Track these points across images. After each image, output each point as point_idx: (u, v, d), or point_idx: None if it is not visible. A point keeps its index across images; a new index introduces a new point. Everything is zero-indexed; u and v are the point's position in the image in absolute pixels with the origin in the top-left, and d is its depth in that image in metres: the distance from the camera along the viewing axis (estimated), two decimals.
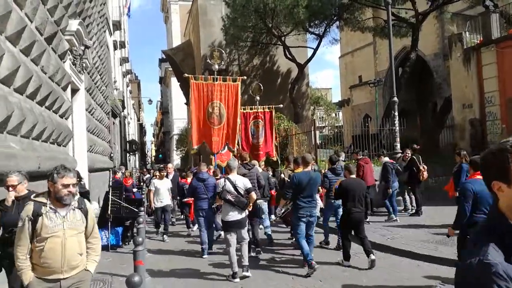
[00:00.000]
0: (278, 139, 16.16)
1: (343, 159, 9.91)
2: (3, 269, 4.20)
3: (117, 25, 27.91)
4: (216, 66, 10.74)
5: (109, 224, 7.89)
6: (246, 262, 6.23)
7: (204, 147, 11.13)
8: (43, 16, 7.97)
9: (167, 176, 10.66)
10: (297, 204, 6.50)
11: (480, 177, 4.87)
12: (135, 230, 8.33)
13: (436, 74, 25.43)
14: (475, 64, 14.93)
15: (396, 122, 12.40)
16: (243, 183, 6.35)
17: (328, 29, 21.08)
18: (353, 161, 12.44)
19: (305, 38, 23.70)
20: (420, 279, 5.69)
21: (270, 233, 8.53)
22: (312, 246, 6.77)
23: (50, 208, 3.16)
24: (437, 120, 19.51)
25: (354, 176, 7.17)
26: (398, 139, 12.27)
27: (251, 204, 6.36)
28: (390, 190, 9.99)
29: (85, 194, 7.79)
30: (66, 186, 3.19)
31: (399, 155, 11.91)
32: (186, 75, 10.63)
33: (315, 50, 21.89)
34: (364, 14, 20.05)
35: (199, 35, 25.90)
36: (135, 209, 8.02)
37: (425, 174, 10.33)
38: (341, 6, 19.02)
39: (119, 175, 13.43)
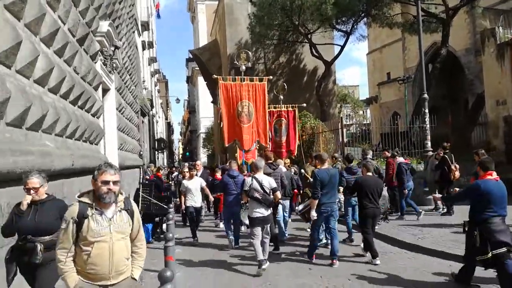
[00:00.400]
0: (304, 137, 16.15)
1: (371, 157, 9.79)
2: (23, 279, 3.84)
3: (146, 26, 28.40)
4: (244, 67, 11.03)
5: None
6: (266, 255, 6.52)
7: (231, 146, 11.24)
8: (75, 18, 8.19)
9: (196, 174, 9.96)
10: (319, 200, 6.71)
11: (491, 177, 4.93)
12: (164, 226, 8.48)
13: (468, 70, 24.71)
14: (509, 59, 14.44)
15: (427, 119, 12.12)
16: (269, 182, 6.66)
17: (355, 26, 20.83)
18: (381, 159, 12.28)
19: (332, 35, 23.47)
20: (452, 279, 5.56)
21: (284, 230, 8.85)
22: (336, 240, 6.89)
23: (96, 209, 2.91)
24: (469, 117, 18.98)
25: (370, 173, 7.27)
26: (429, 137, 12.00)
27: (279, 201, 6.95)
28: (406, 190, 10.01)
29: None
30: (106, 183, 2.96)
31: (430, 153, 11.64)
32: (215, 76, 10.99)
33: (342, 47, 21.67)
34: (393, 10, 19.68)
35: (225, 34, 26.05)
36: (164, 206, 8.16)
37: (457, 173, 10.07)
38: (369, 2, 18.73)
39: (148, 173, 13.69)
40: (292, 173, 9.76)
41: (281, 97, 13.70)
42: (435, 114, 14.78)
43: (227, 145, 10.61)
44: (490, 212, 4.87)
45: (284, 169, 9.09)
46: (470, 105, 21.60)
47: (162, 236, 8.40)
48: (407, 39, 28.95)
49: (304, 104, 14.80)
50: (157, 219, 8.67)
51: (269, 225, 6.66)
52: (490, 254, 4.73)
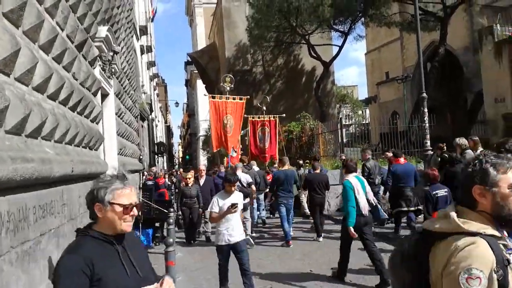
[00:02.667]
0: (304, 138, 16.28)
1: (370, 157, 9.80)
2: None
3: (144, 30, 28.43)
4: (228, 88, 13.56)
5: (140, 225, 8.06)
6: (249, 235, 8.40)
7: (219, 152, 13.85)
8: (73, 24, 8.21)
9: (198, 179, 9.78)
10: (277, 194, 8.80)
11: (401, 162, 8.53)
12: (164, 231, 8.48)
13: (466, 68, 24.73)
14: (507, 57, 14.48)
15: (426, 118, 12.13)
16: (246, 178, 9.03)
17: (353, 26, 20.88)
18: (380, 160, 12.28)
19: (330, 36, 23.52)
20: None
21: (264, 217, 11.50)
22: (291, 226, 9.15)
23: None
24: (468, 116, 19.02)
25: (318, 171, 9.51)
26: (428, 136, 12.00)
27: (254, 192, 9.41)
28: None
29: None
30: None
31: (430, 152, 11.64)
32: (205, 94, 13.51)
33: (340, 47, 21.71)
34: (390, 9, 19.73)
35: (223, 37, 26.09)
36: (165, 211, 8.17)
37: None
38: (367, 2, 18.78)
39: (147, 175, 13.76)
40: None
41: (264, 108, 15.43)
42: (434, 113, 14.80)
43: (214, 151, 13.12)
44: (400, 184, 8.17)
45: (257, 169, 11.53)
46: (469, 103, 21.62)
47: (163, 241, 8.40)
48: (405, 38, 28.99)
49: (284, 115, 16.14)
50: (157, 224, 8.67)
51: (248, 210, 8.81)
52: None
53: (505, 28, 15.42)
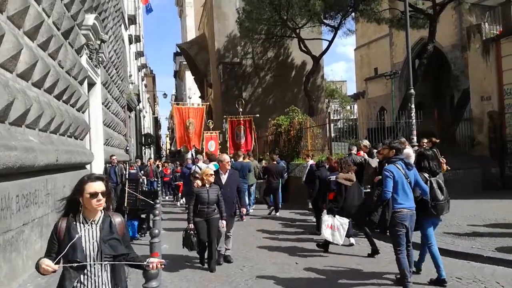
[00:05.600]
0: (292, 132, 16.40)
1: (355, 153, 9.81)
2: None
3: (132, 19, 28.09)
4: (240, 109, 17.63)
5: (126, 216, 8.00)
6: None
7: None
8: (60, 11, 8.05)
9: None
10: None
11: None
12: (150, 222, 8.42)
13: (454, 66, 24.97)
14: (494, 55, 14.62)
15: (413, 114, 12.21)
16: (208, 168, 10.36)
17: (343, 21, 20.83)
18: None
19: (320, 30, 23.48)
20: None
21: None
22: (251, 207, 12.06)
23: None
24: (455, 113, 19.20)
25: (275, 162, 12.48)
26: (414, 132, 12.10)
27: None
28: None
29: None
30: None
31: (416, 148, 11.74)
32: (171, 102, 14.66)
33: (330, 42, 21.69)
34: (381, 5, 19.73)
35: (213, 29, 25.88)
36: (151, 202, 8.11)
37: (445, 166, 10.17)
38: None
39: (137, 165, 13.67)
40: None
41: (240, 109, 17.62)
42: (421, 110, 14.92)
43: (179, 148, 16.10)
44: None
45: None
46: (456, 101, 21.85)
47: (148, 232, 8.35)
48: (395, 35, 29.10)
49: (258, 115, 18.23)
50: (143, 215, 8.60)
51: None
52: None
53: (493, 27, 15.55)
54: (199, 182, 6.17)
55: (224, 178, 6.60)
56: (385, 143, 5.68)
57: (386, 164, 5.39)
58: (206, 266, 6.33)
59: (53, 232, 2.53)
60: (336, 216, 6.69)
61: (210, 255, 6.21)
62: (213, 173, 6.20)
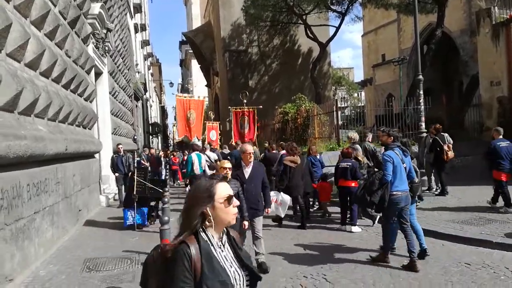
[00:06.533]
0: (299, 120, 16.41)
1: (370, 140, 9.73)
2: None
3: (138, 8, 27.95)
4: (245, 101, 18.22)
5: (135, 204, 8.07)
6: None
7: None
8: (66, 0, 8.04)
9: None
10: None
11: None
12: (159, 210, 8.49)
13: (463, 51, 24.65)
14: (504, 40, 14.38)
15: (421, 101, 12.11)
16: (213, 156, 11.51)
17: (350, 7, 20.64)
18: (378, 142, 12.30)
19: (327, 16, 23.27)
20: (445, 258, 5.64)
21: None
22: None
23: None
24: (463, 99, 19.01)
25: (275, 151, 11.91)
26: (423, 118, 12.00)
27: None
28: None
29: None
30: None
31: (424, 135, 11.67)
32: (174, 93, 14.51)
33: (338, 28, 21.51)
34: None
35: (218, 16, 25.73)
36: (159, 190, 8.16)
37: (450, 153, 10.09)
38: None
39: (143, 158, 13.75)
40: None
41: (245, 100, 18.26)
42: (430, 96, 14.80)
43: (179, 138, 17.04)
44: None
45: (226, 151, 13.93)
46: (465, 86, 21.62)
47: (157, 219, 8.43)
48: (403, 20, 28.74)
49: (261, 106, 18.67)
50: (152, 203, 8.67)
51: None
52: None
53: (503, 11, 15.29)
54: None
55: (247, 172, 5.72)
56: (384, 130, 6.07)
57: (384, 151, 5.87)
58: None
59: (182, 261, 1.71)
60: (281, 193, 7.66)
61: None
62: (230, 166, 5.42)
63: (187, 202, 1.86)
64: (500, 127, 8.62)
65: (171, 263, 1.73)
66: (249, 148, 5.80)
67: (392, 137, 5.81)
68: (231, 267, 1.79)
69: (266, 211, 5.93)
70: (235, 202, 1.85)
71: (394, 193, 5.35)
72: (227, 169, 5.26)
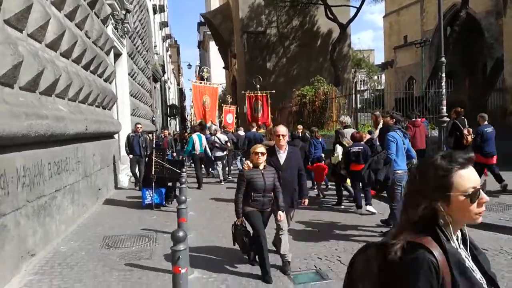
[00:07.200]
0: (317, 102, 16.25)
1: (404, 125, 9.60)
2: None
3: None
4: (258, 86, 19.24)
5: (153, 184, 8.19)
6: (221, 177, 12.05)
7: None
8: None
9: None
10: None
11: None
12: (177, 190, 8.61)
13: (488, 33, 23.91)
14: None
15: (443, 84, 11.81)
16: (223, 138, 12.46)
17: None
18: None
19: None
20: None
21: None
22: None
23: None
24: (487, 82, 18.54)
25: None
26: (444, 102, 11.73)
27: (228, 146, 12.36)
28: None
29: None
30: None
31: (445, 119, 11.43)
32: (189, 79, 15.05)
33: (359, 8, 21.11)
34: None
35: None
36: (177, 170, 8.26)
37: (470, 138, 9.88)
38: None
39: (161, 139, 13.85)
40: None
41: (258, 86, 19.02)
42: (452, 79, 14.45)
43: (198, 121, 17.02)
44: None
45: (242, 133, 13.98)
46: (489, 69, 21.05)
47: (175, 199, 8.55)
48: (426, 1, 28.01)
49: (274, 91, 19.10)
50: (169, 183, 8.79)
51: (224, 159, 12.41)
52: None
53: None
54: (249, 164, 4.66)
55: (282, 157, 5.01)
56: (388, 112, 6.77)
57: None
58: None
59: (426, 277, 1.22)
60: None
61: (263, 263, 4.48)
62: (263, 150, 4.60)
63: (408, 189, 1.41)
64: (484, 113, 8.83)
65: (405, 275, 1.24)
66: (282, 129, 5.03)
67: (394, 120, 6.50)
68: (480, 279, 1.33)
69: (303, 202, 5.25)
70: (484, 197, 1.32)
71: (397, 171, 5.84)
72: (259, 154, 4.54)
